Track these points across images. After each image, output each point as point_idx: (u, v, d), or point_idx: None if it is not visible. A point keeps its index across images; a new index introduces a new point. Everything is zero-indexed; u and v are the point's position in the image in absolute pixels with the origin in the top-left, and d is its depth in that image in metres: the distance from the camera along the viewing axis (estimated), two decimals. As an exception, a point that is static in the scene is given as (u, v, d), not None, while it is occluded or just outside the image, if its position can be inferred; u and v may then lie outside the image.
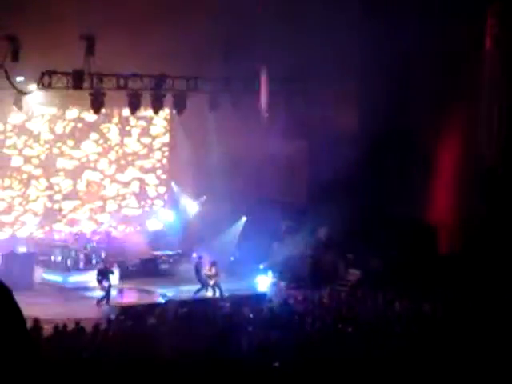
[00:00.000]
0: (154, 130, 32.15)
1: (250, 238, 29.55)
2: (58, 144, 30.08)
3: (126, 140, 31.61)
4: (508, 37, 28.05)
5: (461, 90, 28.10)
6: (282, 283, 27.81)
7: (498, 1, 28.15)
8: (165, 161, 32.49)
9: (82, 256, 27.96)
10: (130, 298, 26.27)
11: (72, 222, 30.30)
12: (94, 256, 28.05)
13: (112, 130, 31.26)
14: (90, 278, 26.59)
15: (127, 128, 31.57)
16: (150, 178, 32.35)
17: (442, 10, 27.84)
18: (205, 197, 31.14)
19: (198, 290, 25.64)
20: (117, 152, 31.47)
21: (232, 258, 29.33)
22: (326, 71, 26.84)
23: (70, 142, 30.32)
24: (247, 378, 14.83)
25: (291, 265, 28.18)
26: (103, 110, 27.55)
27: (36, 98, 27.45)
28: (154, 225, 32.20)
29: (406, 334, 18.57)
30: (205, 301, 24.54)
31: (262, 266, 28.28)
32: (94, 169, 30.94)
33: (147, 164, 32.14)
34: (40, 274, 27.26)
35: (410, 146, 29.54)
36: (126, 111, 29.15)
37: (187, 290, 25.78)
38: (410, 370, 15.41)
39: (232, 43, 26.95)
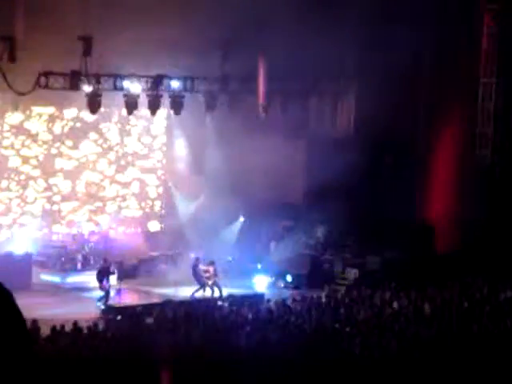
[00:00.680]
0: (154, 130, 31.81)
1: (247, 238, 29.57)
2: (57, 144, 29.65)
3: (126, 140, 31.24)
4: (505, 36, 28.13)
5: (458, 90, 28.17)
6: (280, 283, 27.86)
7: (495, 1, 28.24)
8: (165, 161, 32.28)
9: (79, 257, 27.92)
10: (128, 298, 26.25)
11: (71, 224, 30.16)
12: (91, 257, 28.02)
13: (112, 129, 30.86)
14: (88, 278, 26.52)
15: (127, 127, 31.18)
16: (151, 179, 32.12)
17: (439, 10, 27.92)
18: (202, 197, 31.14)
19: (197, 290, 25.66)
20: (117, 152, 31.12)
21: (230, 258, 29.32)
22: (324, 72, 26.89)
23: (69, 142, 29.86)
24: (246, 378, 14.85)
25: (289, 264, 28.20)
26: (102, 109, 27.29)
27: (33, 98, 27.28)
28: (155, 226, 32.13)
29: (404, 334, 18.59)
30: (203, 301, 24.53)
31: (260, 266, 28.31)
32: (94, 169, 30.67)
33: (147, 164, 31.89)
34: (38, 275, 27.20)
35: (407, 146, 29.60)
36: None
37: (185, 291, 25.78)
38: (409, 370, 15.44)
39: (229, 43, 26.98)
